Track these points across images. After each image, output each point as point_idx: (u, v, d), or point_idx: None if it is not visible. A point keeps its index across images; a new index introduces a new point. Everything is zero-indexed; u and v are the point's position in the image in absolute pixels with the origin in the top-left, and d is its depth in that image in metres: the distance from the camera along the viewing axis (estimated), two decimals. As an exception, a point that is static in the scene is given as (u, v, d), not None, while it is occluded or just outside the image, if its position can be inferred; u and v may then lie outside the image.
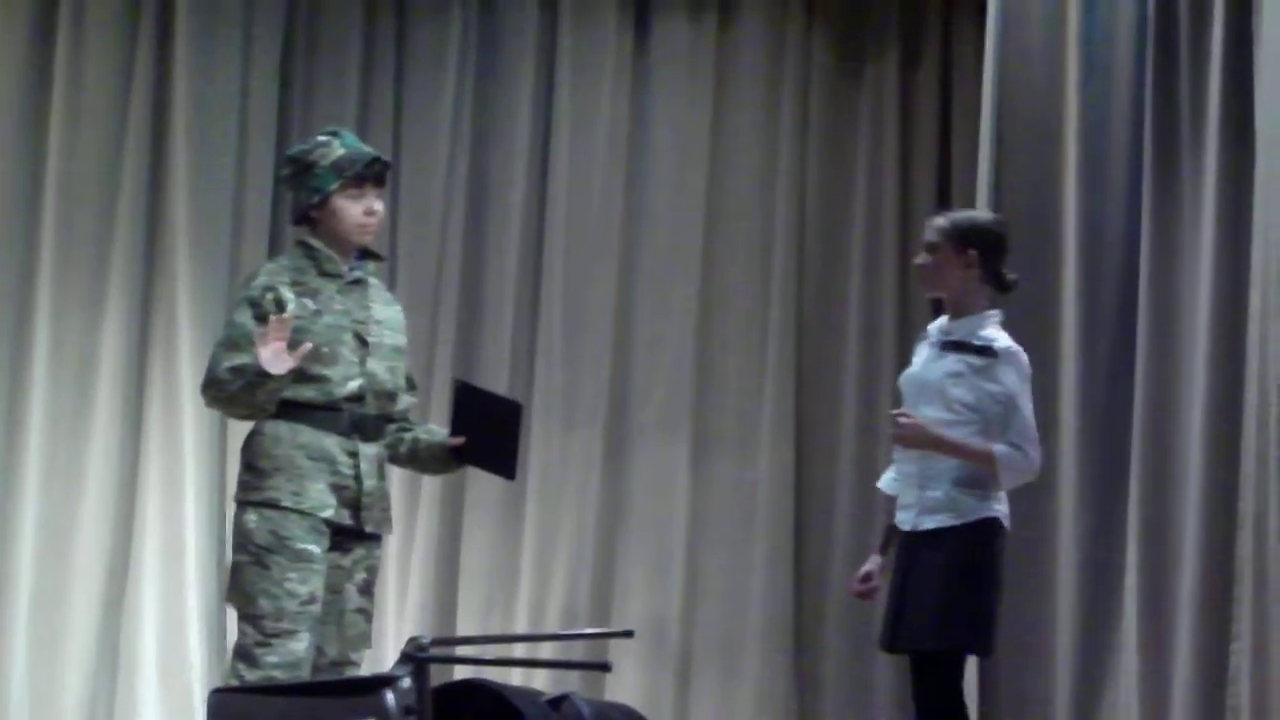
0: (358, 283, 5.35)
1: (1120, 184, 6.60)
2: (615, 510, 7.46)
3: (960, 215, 5.60)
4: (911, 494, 5.42)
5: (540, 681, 6.78)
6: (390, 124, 7.60)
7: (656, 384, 7.50)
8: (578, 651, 7.06)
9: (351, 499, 5.23)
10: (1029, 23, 6.77)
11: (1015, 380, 5.34)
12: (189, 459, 7.17)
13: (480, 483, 7.42)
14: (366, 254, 5.41)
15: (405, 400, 5.45)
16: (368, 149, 5.38)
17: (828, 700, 7.30)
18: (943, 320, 5.51)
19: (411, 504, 7.38)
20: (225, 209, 7.37)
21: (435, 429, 5.50)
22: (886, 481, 5.62)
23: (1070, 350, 6.58)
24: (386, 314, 5.41)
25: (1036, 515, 6.50)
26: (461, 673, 6.03)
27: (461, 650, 5.90)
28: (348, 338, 5.25)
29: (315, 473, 5.20)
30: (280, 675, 5.07)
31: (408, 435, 5.42)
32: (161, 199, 7.33)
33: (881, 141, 7.57)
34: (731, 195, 7.58)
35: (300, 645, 5.12)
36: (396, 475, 7.35)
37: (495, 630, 7.27)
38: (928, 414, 5.37)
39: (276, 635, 5.11)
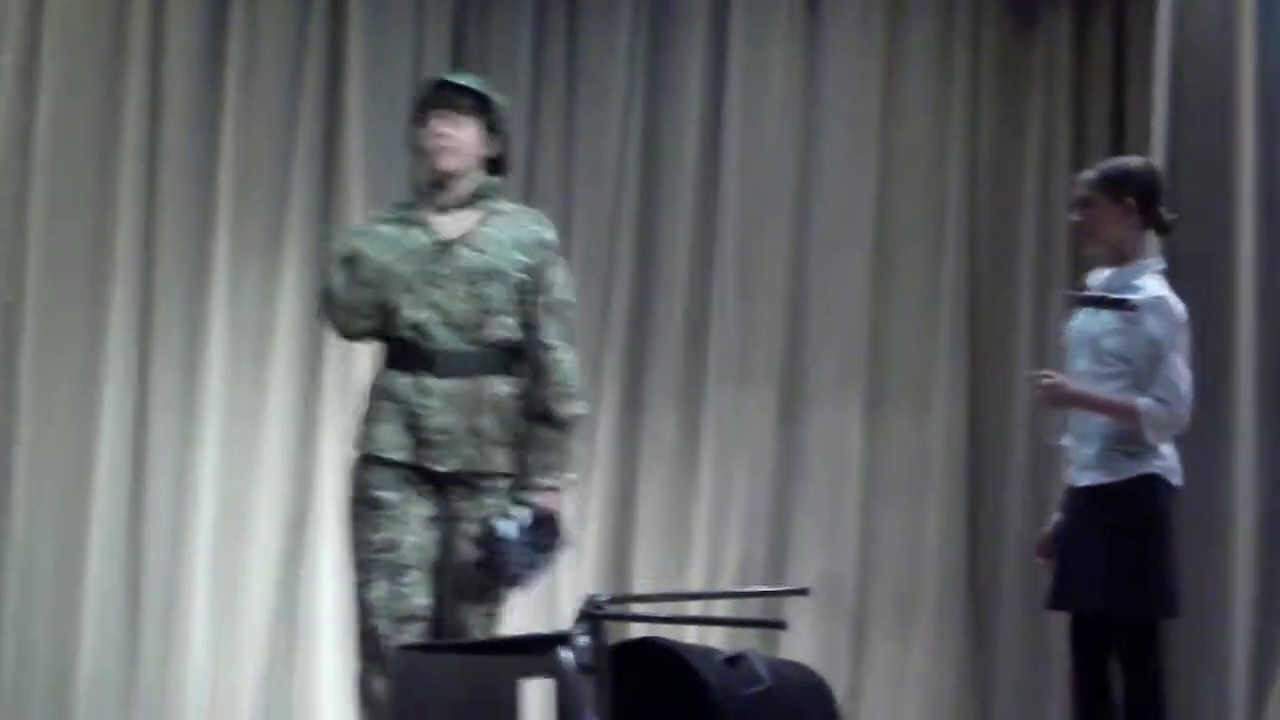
0: (468, 207, 5.22)
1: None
2: (789, 469, 7.46)
3: (1109, 165, 5.51)
4: (1074, 450, 5.37)
5: (715, 640, 6.80)
6: (563, 85, 7.62)
7: (830, 343, 7.50)
8: (753, 610, 7.07)
9: (424, 439, 5.11)
10: (1204, -24, 6.70)
11: (1163, 330, 5.21)
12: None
13: (655, 441, 7.46)
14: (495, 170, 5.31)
15: (507, 327, 5.15)
16: (438, 77, 5.39)
17: (1003, 660, 7.27)
18: (1105, 273, 5.43)
19: (586, 461, 7.42)
20: (399, 168, 7.42)
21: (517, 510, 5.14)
22: (1067, 437, 5.56)
23: (1247, 303, 6.49)
24: (496, 236, 5.21)
25: (1211, 469, 6.42)
26: (637, 631, 6.10)
27: (637, 608, 5.95)
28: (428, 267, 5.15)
29: (388, 414, 5.12)
30: (370, 623, 5.06)
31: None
32: (337, 157, 7.39)
33: (1054, 101, 7.50)
34: (904, 155, 7.55)
35: (372, 594, 5.06)
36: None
37: (670, 589, 7.31)
38: (1080, 367, 5.31)
39: (359, 584, 5.10)
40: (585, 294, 7.50)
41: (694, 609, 6.91)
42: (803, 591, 4.82)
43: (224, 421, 7.26)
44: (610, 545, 7.39)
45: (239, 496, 7.24)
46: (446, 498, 5.15)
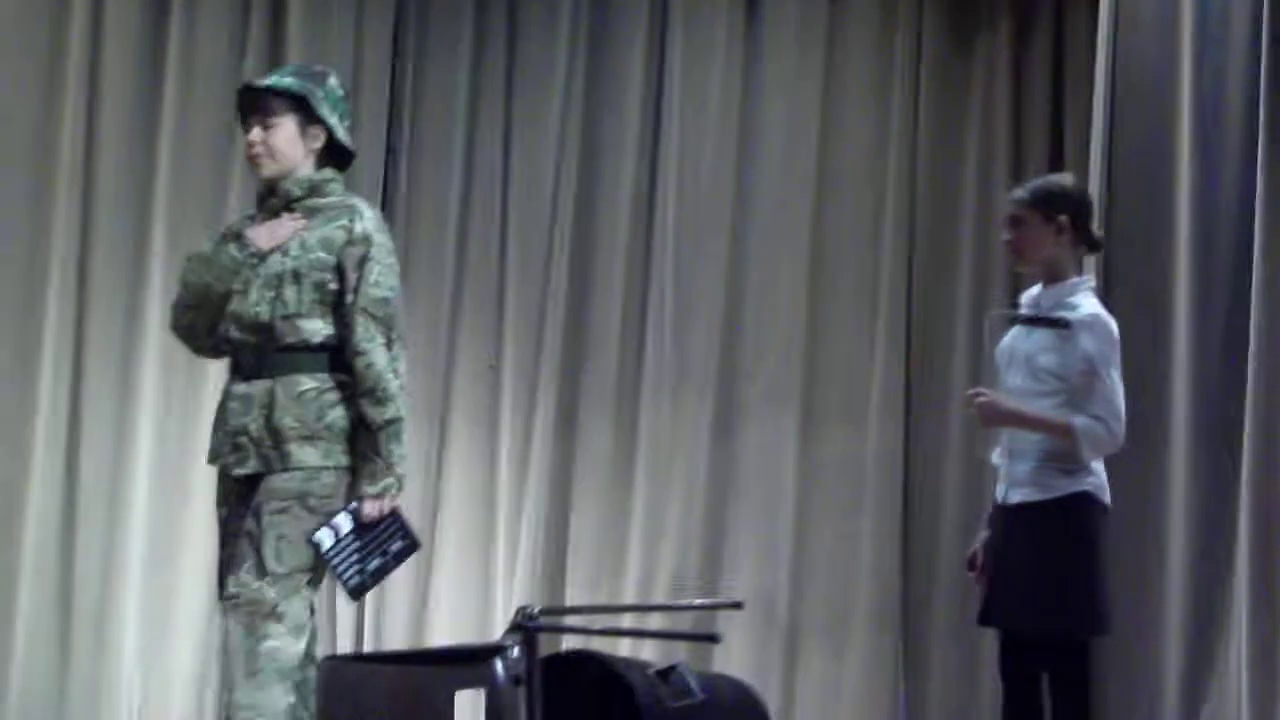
0: (293, 209, 5.08)
1: (1235, 152, 6.51)
2: (724, 482, 7.46)
3: (1039, 183, 5.49)
4: (1005, 467, 5.36)
5: (648, 652, 6.80)
6: (502, 95, 7.60)
7: (766, 357, 7.50)
8: (686, 623, 7.07)
9: (228, 443, 5.03)
10: (1143, -9, 6.73)
11: (1098, 348, 5.20)
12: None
13: (589, 454, 7.45)
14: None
15: (308, 330, 5.00)
16: (244, 83, 5.30)
17: (935, 675, 7.29)
18: (1035, 290, 5.43)
19: (520, 475, 7.42)
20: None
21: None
22: (997, 454, 5.55)
23: (1182, 325, 6.51)
24: (308, 237, 5.04)
25: (1144, 487, 6.44)
26: (570, 643, 6.08)
27: (570, 620, 5.94)
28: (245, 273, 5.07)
29: (214, 422, 5.10)
30: None
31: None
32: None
33: (993, 112, 7.53)
34: (842, 167, 7.56)
35: None
36: (505, 445, 7.42)
37: (603, 601, 7.30)
38: (1014, 384, 5.30)
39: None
40: (521, 305, 7.51)
41: (627, 621, 6.90)
42: (736, 605, 4.81)
43: (158, 429, 7.21)
44: (544, 557, 7.36)
45: (172, 504, 7.19)
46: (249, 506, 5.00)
